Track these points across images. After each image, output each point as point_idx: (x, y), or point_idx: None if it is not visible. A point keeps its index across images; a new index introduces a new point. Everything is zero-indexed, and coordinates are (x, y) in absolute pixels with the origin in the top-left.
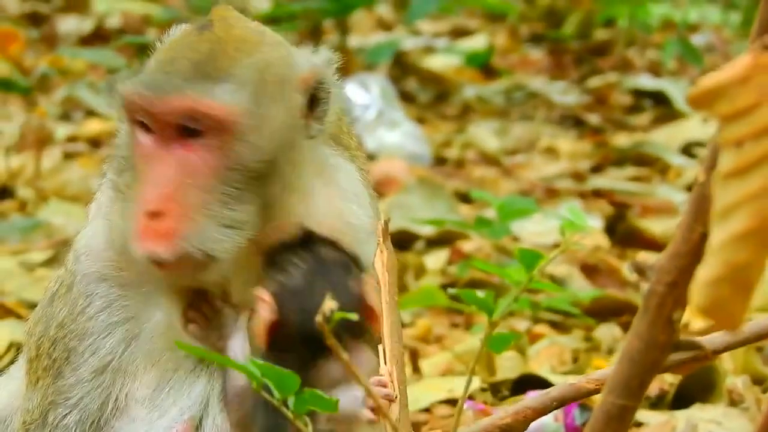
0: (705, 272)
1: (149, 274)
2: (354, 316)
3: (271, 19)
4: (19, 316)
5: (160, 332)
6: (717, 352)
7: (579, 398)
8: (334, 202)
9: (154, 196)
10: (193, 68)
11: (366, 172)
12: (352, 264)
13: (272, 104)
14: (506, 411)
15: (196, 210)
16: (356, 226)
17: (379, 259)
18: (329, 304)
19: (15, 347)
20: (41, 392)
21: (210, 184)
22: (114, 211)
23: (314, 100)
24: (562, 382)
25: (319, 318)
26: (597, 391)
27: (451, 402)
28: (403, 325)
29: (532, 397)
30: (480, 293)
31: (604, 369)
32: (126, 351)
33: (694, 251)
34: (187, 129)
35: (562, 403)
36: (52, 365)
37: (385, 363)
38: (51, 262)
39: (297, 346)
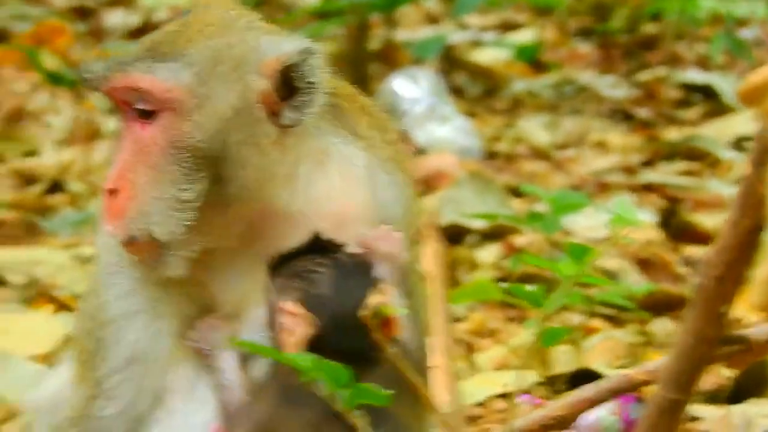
0: (762, 270)
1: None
2: (402, 310)
3: (319, 14)
4: (71, 310)
5: (187, 326)
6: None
7: (630, 390)
8: (320, 188)
9: (112, 175)
10: (145, 49)
11: (389, 161)
12: (370, 269)
13: (221, 86)
14: (561, 403)
15: (144, 188)
16: (343, 213)
17: (427, 252)
18: (376, 298)
19: (69, 341)
20: (83, 387)
21: (159, 163)
22: None
23: (289, 88)
24: (616, 375)
25: (365, 311)
26: (649, 383)
27: (506, 396)
28: (457, 320)
29: (585, 390)
30: (531, 288)
31: (656, 360)
32: (152, 341)
33: (741, 246)
34: (143, 109)
35: (615, 395)
36: (88, 358)
37: (435, 356)
38: None
39: (330, 356)
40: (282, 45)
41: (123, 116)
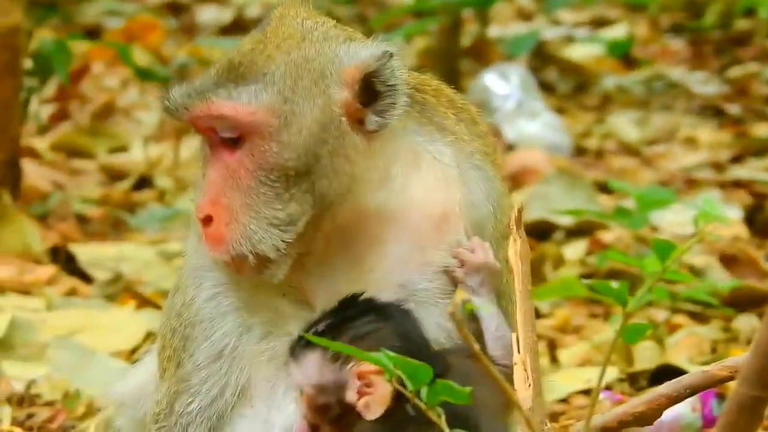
0: None
1: None
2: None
3: (414, 13)
4: (156, 306)
5: (271, 326)
6: None
7: (712, 386)
8: (414, 189)
9: (204, 202)
10: (224, 73)
11: (477, 154)
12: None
13: (304, 101)
14: (640, 399)
15: (241, 213)
16: (438, 213)
17: (512, 248)
18: (461, 296)
19: (152, 337)
20: (167, 383)
21: (251, 186)
22: None
23: (371, 93)
24: (695, 370)
25: (451, 309)
26: (730, 379)
27: (589, 392)
28: (542, 316)
29: (666, 385)
30: (615, 284)
31: (737, 356)
32: (239, 340)
33: None
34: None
35: (694, 390)
36: (174, 355)
37: (519, 352)
38: None
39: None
40: (360, 52)
41: (208, 141)
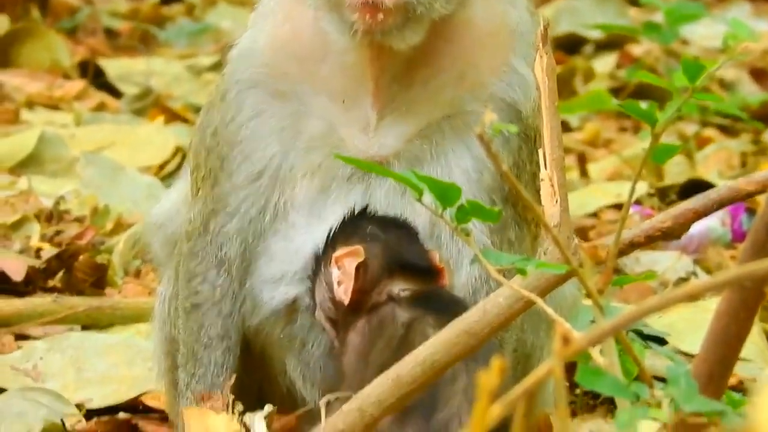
0: None
1: (306, 80)
2: (513, 128)
3: None
4: (185, 121)
5: (318, 141)
6: None
7: (739, 200)
8: (492, 5)
9: None
10: None
11: None
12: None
13: None
14: (668, 214)
15: None
16: (512, 29)
17: (538, 64)
18: (490, 116)
19: (181, 152)
20: (201, 201)
21: None
22: (279, 14)
23: None
24: (723, 184)
25: (479, 129)
26: (758, 193)
27: (619, 207)
28: (571, 129)
29: (693, 200)
30: (644, 104)
31: (766, 170)
32: (282, 159)
33: None
34: None
35: (722, 204)
36: (209, 174)
37: (546, 168)
38: (218, 67)
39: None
40: None
41: None
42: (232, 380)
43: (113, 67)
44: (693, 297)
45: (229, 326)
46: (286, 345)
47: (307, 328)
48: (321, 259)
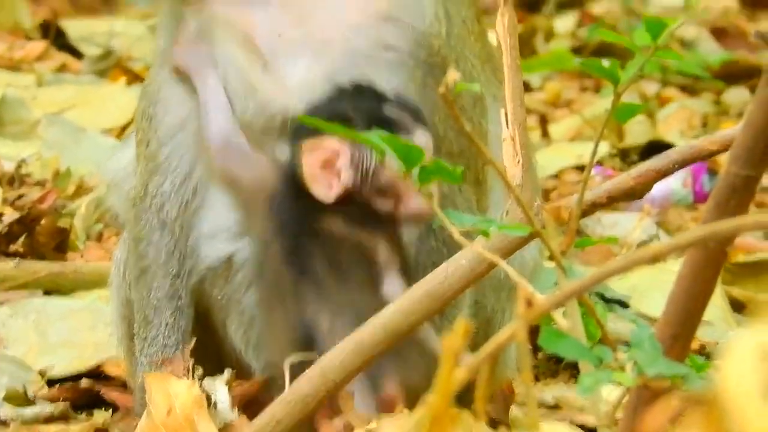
0: None
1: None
2: (476, 87)
3: None
4: None
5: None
6: None
7: (700, 159)
8: None
9: None
10: None
11: None
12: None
13: None
14: (629, 174)
15: None
16: None
17: (500, 22)
18: (453, 75)
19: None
20: (141, 165)
21: None
22: None
23: None
24: (685, 144)
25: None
26: (719, 152)
27: (580, 168)
28: (532, 89)
29: (654, 160)
30: (606, 62)
31: (727, 130)
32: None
33: None
34: None
35: (683, 164)
36: (144, 137)
37: (507, 127)
38: None
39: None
40: None
41: None
42: (192, 343)
43: (75, 27)
44: (656, 258)
45: (178, 286)
46: (224, 306)
47: (244, 288)
48: None
